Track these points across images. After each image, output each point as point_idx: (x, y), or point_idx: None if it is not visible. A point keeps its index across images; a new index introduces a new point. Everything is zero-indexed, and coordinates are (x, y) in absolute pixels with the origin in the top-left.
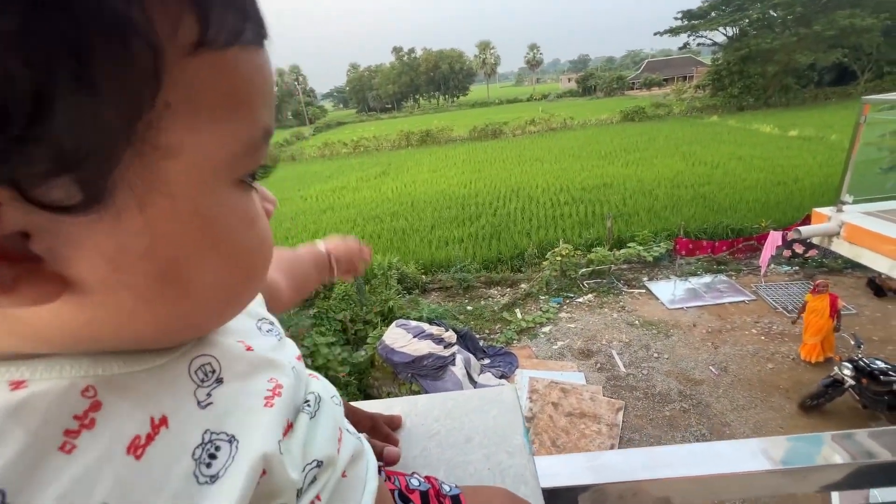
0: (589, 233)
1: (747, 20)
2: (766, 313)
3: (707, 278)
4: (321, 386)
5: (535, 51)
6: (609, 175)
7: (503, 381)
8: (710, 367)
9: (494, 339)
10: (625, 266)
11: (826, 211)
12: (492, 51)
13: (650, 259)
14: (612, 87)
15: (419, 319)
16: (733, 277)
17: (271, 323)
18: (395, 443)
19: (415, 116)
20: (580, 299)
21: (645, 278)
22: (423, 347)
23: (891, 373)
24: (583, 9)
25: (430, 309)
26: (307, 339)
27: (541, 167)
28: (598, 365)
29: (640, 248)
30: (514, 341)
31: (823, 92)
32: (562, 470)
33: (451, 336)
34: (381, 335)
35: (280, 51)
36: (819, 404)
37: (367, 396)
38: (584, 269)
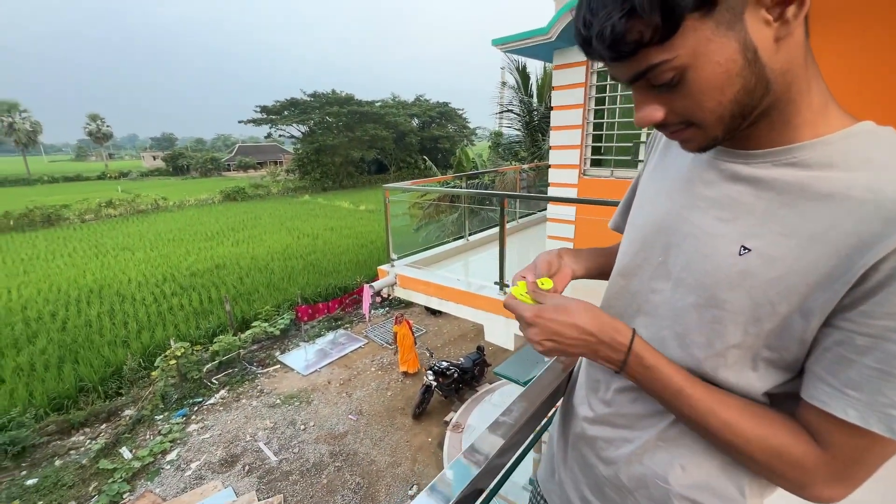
0: (208, 321)
1: (312, 121)
2: (377, 350)
3: (330, 335)
4: None
5: (98, 122)
6: (220, 256)
7: None
8: (350, 416)
9: None
10: (255, 347)
11: (385, 267)
12: (24, 114)
13: (278, 333)
14: (207, 167)
15: None
16: (349, 329)
17: None
18: None
19: None
20: (211, 400)
21: (277, 353)
22: None
23: (451, 368)
24: (157, 90)
25: None
26: None
27: (132, 257)
28: (247, 467)
29: (266, 324)
30: (127, 494)
31: (373, 178)
32: None
33: None
34: None
35: None
36: (423, 409)
37: None
38: (209, 365)
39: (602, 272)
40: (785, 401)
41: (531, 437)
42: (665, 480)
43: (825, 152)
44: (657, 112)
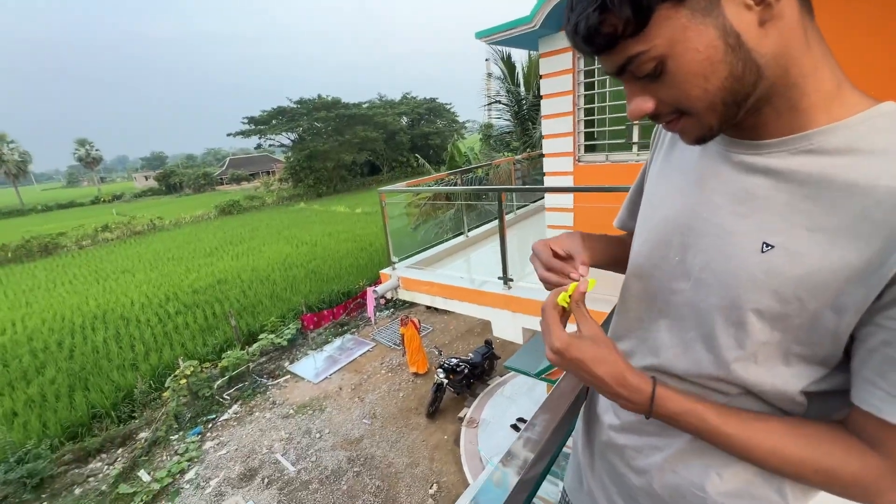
0: (215, 337)
1: (301, 128)
2: (386, 353)
3: (338, 342)
4: None
5: (87, 146)
6: (221, 271)
7: None
8: (364, 420)
9: None
10: (263, 359)
11: (387, 271)
12: (11, 145)
13: (285, 343)
14: (199, 183)
15: None
16: (356, 333)
17: None
18: None
19: None
20: (225, 416)
21: (286, 363)
22: None
23: (461, 365)
24: (143, 108)
25: None
26: None
27: (133, 279)
28: (266, 480)
29: (272, 336)
30: None
31: (367, 180)
32: None
33: None
34: None
35: None
36: (437, 408)
37: None
38: (219, 381)
39: (611, 263)
40: (824, 400)
41: (557, 448)
42: (702, 489)
43: (846, 137)
44: (647, 103)
